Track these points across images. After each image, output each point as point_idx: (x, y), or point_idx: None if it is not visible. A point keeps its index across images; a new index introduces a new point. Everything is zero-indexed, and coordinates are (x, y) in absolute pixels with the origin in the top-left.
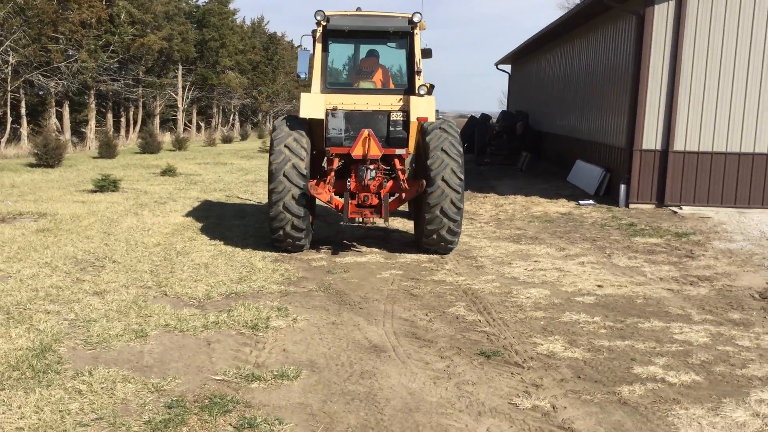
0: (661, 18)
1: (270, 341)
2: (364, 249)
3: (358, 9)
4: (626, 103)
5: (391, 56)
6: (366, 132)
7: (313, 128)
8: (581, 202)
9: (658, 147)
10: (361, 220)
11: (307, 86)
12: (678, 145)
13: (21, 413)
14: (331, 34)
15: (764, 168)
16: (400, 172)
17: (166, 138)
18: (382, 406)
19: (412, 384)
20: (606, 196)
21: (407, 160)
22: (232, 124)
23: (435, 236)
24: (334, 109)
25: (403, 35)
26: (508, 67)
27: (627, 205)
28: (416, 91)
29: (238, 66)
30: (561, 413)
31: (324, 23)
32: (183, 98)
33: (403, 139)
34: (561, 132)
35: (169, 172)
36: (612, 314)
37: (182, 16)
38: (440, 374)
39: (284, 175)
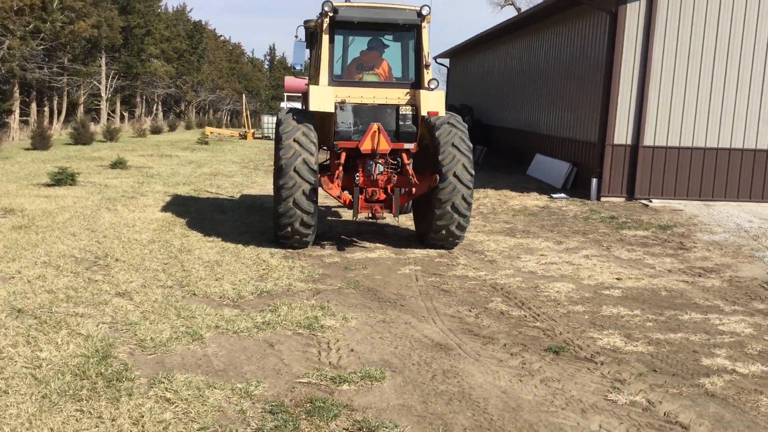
0: (633, 16)
1: (332, 341)
2: (368, 245)
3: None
4: (598, 100)
5: (396, 49)
6: (375, 126)
7: (320, 122)
8: (554, 195)
9: (629, 142)
10: (370, 215)
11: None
12: (648, 140)
13: (118, 426)
14: (338, 25)
15: (727, 162)
16: (408, 167)
17: (95, 128)
18: (484, 405)
19: (499, 382)
20: (573, 189)
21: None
22: (156, 115)
23: (444, 231)
24: (342, 102)
25: (410, 28)
26: (446, 61)
27: (599, 198)
28: (426, 85)
29: (164, 54)
30: (659, 407)
31: (331, 14)
32: (107, 87)
33: (412, 133)
34: (515, 126)
35: (119, 164)
36: (647, 307)
37: (107, 2)
38: (520, 372)
39: (295, 171)
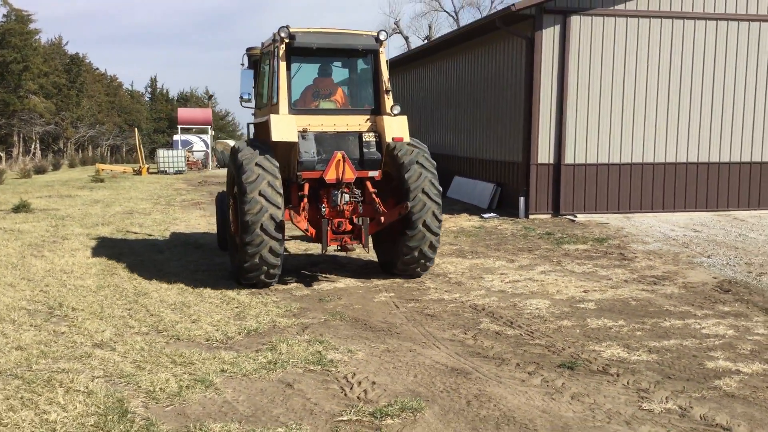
0: (548, 42)
1: (349, 375)
2: (330, 276)
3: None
4: (520, 121)
5: (353, 75)
6: (339, 154)
7: (280, 152)
8: (485, 215)
9: (551, 161)
10: (339, 247)
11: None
12: (569, 158)
13: None
14: (295, 51)
15: (641, 176)
16: (374, 195)
17: None
18: (533, 427)
19: (534, 402)
20: (499, 209)
21: None
22: (34, 154)
23: (416, 253)
24: (304, 131)
25: (369, 53)
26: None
27: (527, 216)
28: (388, 111)
29: (43, 90)
30: (693, 412)
31: (288, 40)
32: None
33: (377, 160)
34: (434, 150)
35: (23, 208)
36: (627, 317)
37: None
38: (547, 390)
39: (262, 229)
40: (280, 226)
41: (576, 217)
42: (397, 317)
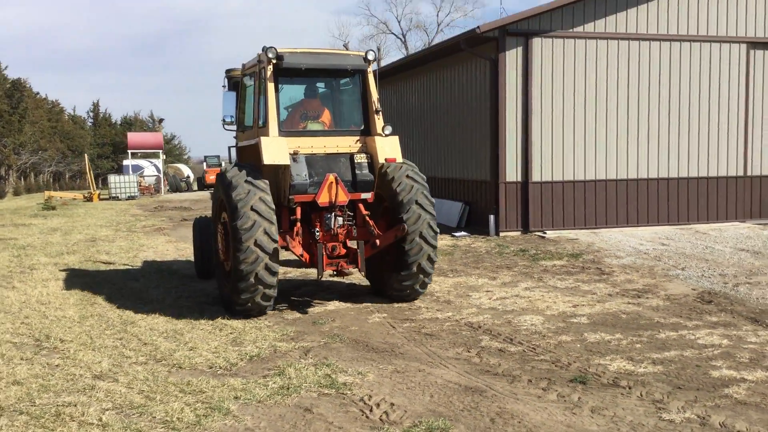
0: (511, 63)
1: (365, 398)
2: (317, 299)
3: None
4: (487, 141)
5: (342, 95)
6: (332, 177)
7: (270, 176)
8: (456, 234)
9: (519, 179)
10: (334, 272)
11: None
12: (535, 176)
13: None
14: (283, 72)
15: (605, 192)
16: (368, 218)
17: None
18: None
19: (557, 417)
20: (468, 227)
21: None
22: None
23: (408, 291)
24: (295, 153)
25: (357, 73)
26: None
27: (497, 234)
28: (379, 131)
29: None
30: (712, 420)
31: (275, 61)
32: None
33: (370, 182)
34: None
35: None
36: (622, 330)
37: None
38: (566, 404)
39: (256, 244)
40: (274, 242)
41: (545, 233)
42: (396, 337)
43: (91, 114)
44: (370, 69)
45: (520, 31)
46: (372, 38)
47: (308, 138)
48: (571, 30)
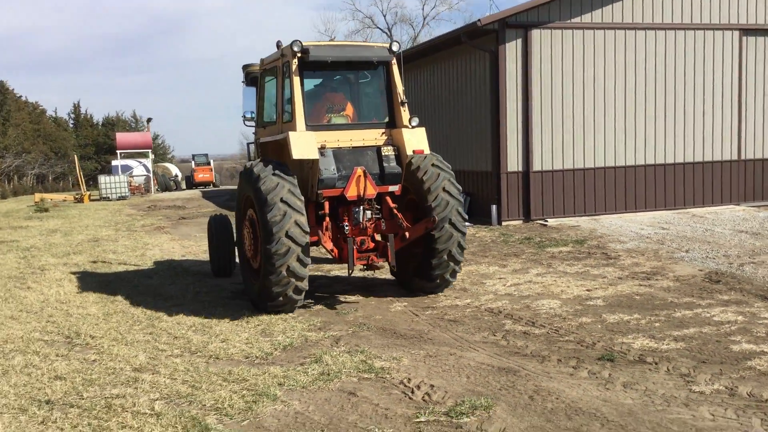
0: (511, 55)
1: (405, 381)
2: (335, 291)
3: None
4: (488, 132)
5: (366, 88)
6: (360, 170)
7: (297, 171)
8: None
9: (520, 169)
10: (364, 267)
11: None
12: (536, 165)
13: None
14: (308, 66)
15: (604, 179)
16: (396, 210)
17: None
18: (602, 415)
19: (592, 393)
20: (471, 217)
21: None
22: None
23: (438, 280)
24: (323, 147)
25: (382, 65)
26: None
27: (500, 223)
28: (406, 123)
29: None
30: (740, 390)
31: (301, 54)
32: None
33: (398, 174)
34: None
35: None
36: (639, 311)
37: None
38: (598, 381)
39: (288, 236)
40: (306, 233)
41: (547, 221)
42: (421, 324)
43: (72, 115)
44: (395, 60)
45: (520, 23)
46: (358, 33)
47: (334, 132)
48: (569, 21)
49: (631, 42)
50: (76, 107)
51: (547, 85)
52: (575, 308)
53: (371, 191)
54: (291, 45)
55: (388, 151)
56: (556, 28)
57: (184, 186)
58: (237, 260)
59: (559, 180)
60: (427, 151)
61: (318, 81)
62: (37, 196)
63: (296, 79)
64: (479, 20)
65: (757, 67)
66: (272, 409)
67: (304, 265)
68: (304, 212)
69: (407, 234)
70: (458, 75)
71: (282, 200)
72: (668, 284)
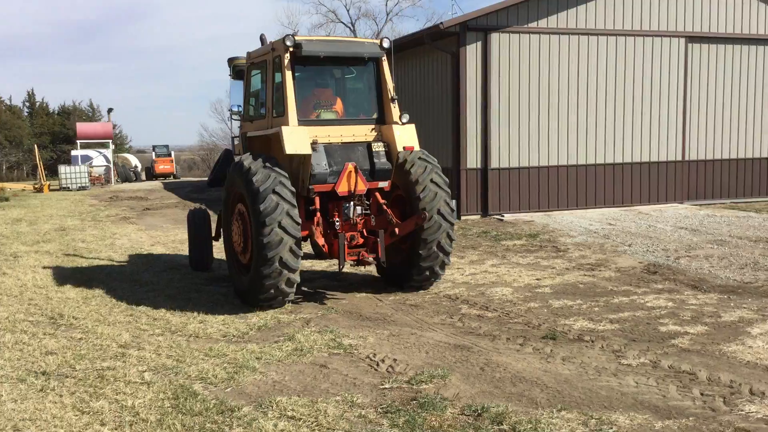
0: (471, 57)
1: (371, 355)
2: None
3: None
4: (449, 130)
5: (355, 84)
6: (351, 166)
7: (287, 165)
8: None
9: (479, 166)
10: (354, 262)
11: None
12: (494, 163)
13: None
14: (300, 60)
15: (557, 177)
16: (385, 206)
17: None
18: (541, 383)
19: (535, 365)
20: None
21: None
22: None
23: (428, 272)
24: (314, 142)
25: (372, 61)
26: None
27: (458, 218)
28: (396, 119)
29: None
30: (663, 363)
31: (293, 49)
32: None
33: (389, 170)
34: None
35: None
36: (581, 297)
37: None
38: (541, 356)
39: (280, 226)
40: (297, 225)
41: (503, 216)
42: (384, 308)
43: (27, 104)
44: (385, 57)
45: (480, 26)
46: (321, 27)
47: (324, 127)
48: (526, 25)
49: (584, 47)
50: (31, 95)
51: (505, 87)
52: (525, 295)
53: (362, 187)
54: (283, 39)
55: (378, 147)
56: (515, 32)
57: (143, 177)
58: (215, 255)
59: (516, 177)
60: (417, 147)
61: (307, 76)
62: None
63: (288, 74)
64: (441, 23)
65: (702, 73)
66: (252, 379)
67: (297, 256)
68: (296, 205)
69: (397, 230)
70: (422, 74)
71: (274, 191)
72: (610, 274)
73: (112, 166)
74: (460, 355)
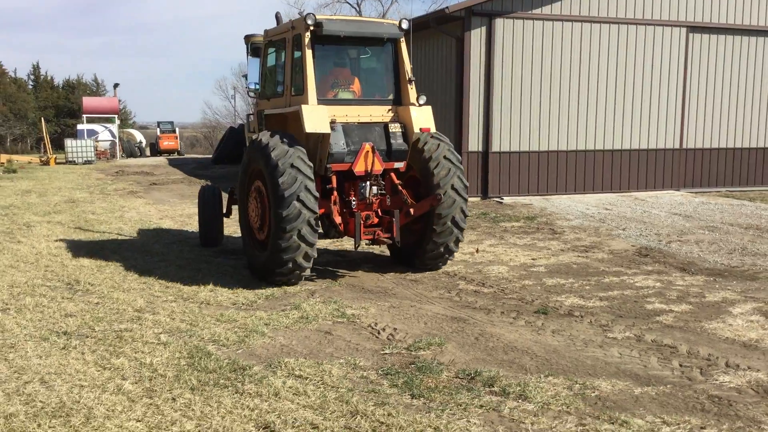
0: (476, 42)
1: (373, 324)
2: None
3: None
4: (452, 113)
5: (373, 64)
6: (368, 146)
7: (304, 143)
8: None
9: (480, 149)
10: (369, 241)
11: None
12: (495, 146)
13: (288, 398)
14: (320, 40)
15: (556, 162)
16: (400, 187)
17: None
18: (532, 352)
19: (526, 336)
20: None
21: None
22: None
23: (442, 248)
24: (333, 122)
25: (391, 42)
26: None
27: None
28: (413, 101)
29: None
30: (646, 337)
31: (314, 28)
32: None
33: (405, 151)
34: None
35: None
36: (574, 276)
37: None
38: (532, 328)
39: (299, 200)
40: (315, 199)
41: (503, 199)
42: (386, 283)
43: (32, 77)
44: (403, 38)
45: (485, 11)
46: (327, 6)
47: (342, 107)
48: (530, 12)
49: (587, 34)
50: (36, 68)
51: (507, 72)
52: (520, 273)
53: (378, 167)
54: (304, 18)
55: (395, 128)
56: (518, 18)
57: (148, 153)
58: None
59: (516, 161)
60: (433, 129)
61: (324, 55)
62: (3, 157)
63: (308, 53)
64: (447, 8)
65: (702, 63)
66: (261, 342)
67: (315, 231)
68: (314, 179)
69: (412, 210)
70: (427, 58)
71: (292, 165)
72: (603, 256)
73: (117, 141)
74: (456, 326)
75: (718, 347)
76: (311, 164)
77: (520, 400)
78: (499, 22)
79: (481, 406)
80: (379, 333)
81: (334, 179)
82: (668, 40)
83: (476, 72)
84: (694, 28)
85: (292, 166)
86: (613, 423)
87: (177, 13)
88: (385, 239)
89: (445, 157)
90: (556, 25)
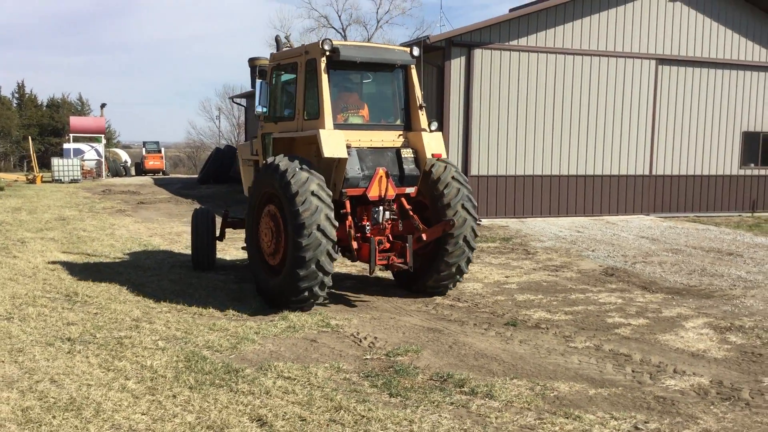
0: (455, 71)
1: (355, 333)
2: None
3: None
4: None
5: (383, 90)
6: (382, 171)
7: (318, 167)
8: None
9: None
10: (383, 267)
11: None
12: (473, 170)
13: (279, 396)
14: (336, 65)
15: (532, 186)
16: (411, 212)
17: None
18: (500, 358)
19: (495, 345)
20: None
21: None
22: None
23: (454, 269)
24: (348, 147)
25: (403, 68)
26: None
27: None
28: (424, 127)
29: None
30: (605, 347)
31: (330, 53)
32: None
33: (416, 176)
34: None
35: None
36: (543, 293)
37: None
38: (502, 338)
39: (319, 229)
40: (335, 228)
41: (480, 221)
42: (368, 297)
43: (17, 95)
44: (413, 65)
45: (464, 42)
46: (313, 31)
47: (355, 131)
48: (507, 43)
49: (561, 65)
50: (21, 87)
51: (485, 99)
52: (494, 289)
53: (391, 192)
54: (321, 43)
55: (407, 154)
56: (496, 48)
57: (133, 172)
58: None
59: (494, 184)
60: (444, 155)
61: (335, 80)
62: None
63: (324, 77)
64: (428, 37)
65: (670, 93)
66: (252, 348)
67: (332, 260)
68: (333, 208)
69: (424, 236)
70: None
71: (313, 193)
72: (571, 275)
73: (103, 160)
74: (432, 336)
75: (668, 356)
76: (330, 192)
77: (486, 399)
78: (477, 53)
79: (452, 404)
80: (360, 341)
81: (347, 204)
82: (638, 72)
83: (456, 99)
84: (663, 61)
85: (312, 193)
86: (567, 417)
87: (160, 33)
88: (399, 264)
89: (453, 177)
90: (532, 56)
